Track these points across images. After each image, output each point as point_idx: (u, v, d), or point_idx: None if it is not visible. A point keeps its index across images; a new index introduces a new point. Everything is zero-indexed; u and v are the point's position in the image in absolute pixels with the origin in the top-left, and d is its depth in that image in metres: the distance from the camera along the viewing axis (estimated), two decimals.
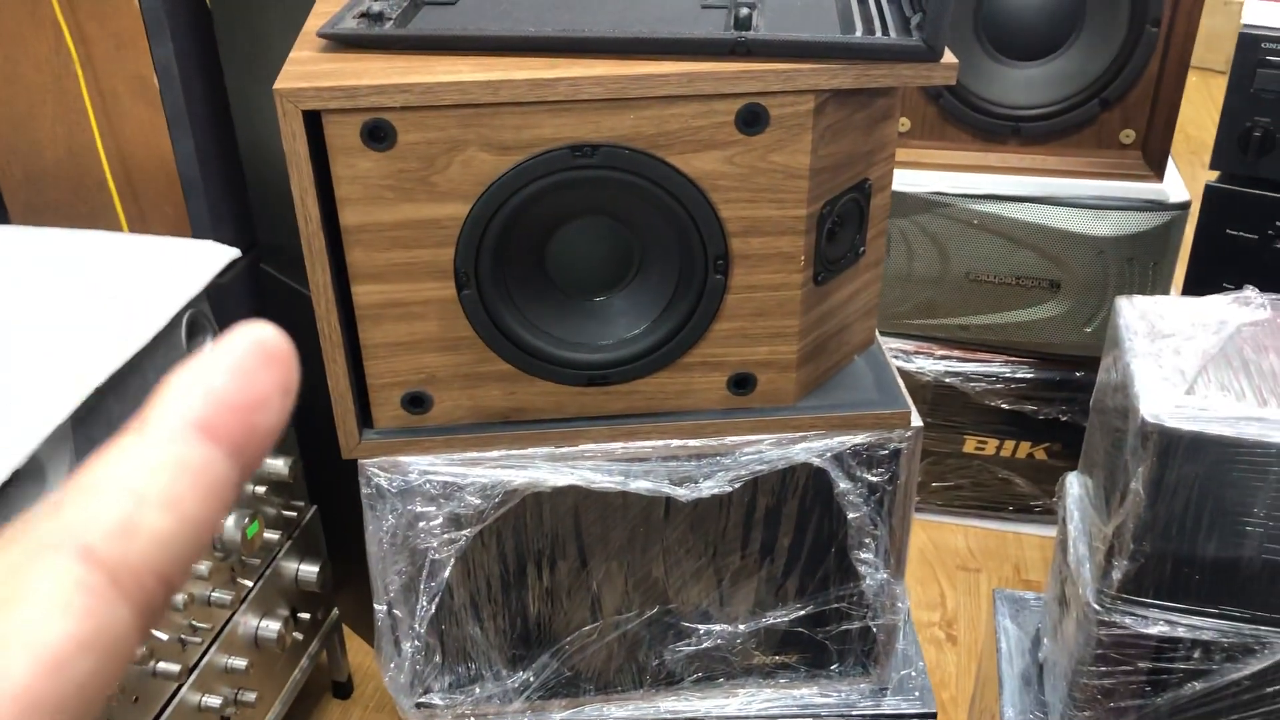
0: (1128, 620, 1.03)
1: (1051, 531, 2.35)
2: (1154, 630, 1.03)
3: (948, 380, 2.20)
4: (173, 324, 1.51)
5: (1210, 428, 0.92)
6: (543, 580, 1.12)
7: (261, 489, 1.69)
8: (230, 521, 1.59)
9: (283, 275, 1.84)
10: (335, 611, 1.94)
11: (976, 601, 2.23)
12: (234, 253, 1.57)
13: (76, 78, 1.62)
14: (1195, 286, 1.49)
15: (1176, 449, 0.93)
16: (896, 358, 2.18)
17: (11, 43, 1.63)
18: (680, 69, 0.88)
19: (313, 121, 0.89)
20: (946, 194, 2.02)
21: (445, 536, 1.05)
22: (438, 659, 1.13)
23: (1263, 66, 1.35)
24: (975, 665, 1.98)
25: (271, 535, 1.71)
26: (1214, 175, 1.50)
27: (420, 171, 0.91)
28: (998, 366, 2.20)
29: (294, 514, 1.78)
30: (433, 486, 1.03)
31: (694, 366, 1.03)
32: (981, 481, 2.32)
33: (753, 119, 0.90)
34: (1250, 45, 1.36)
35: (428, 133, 0.89)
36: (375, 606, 1.07)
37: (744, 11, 0.88)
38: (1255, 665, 1.02)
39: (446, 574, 1.06)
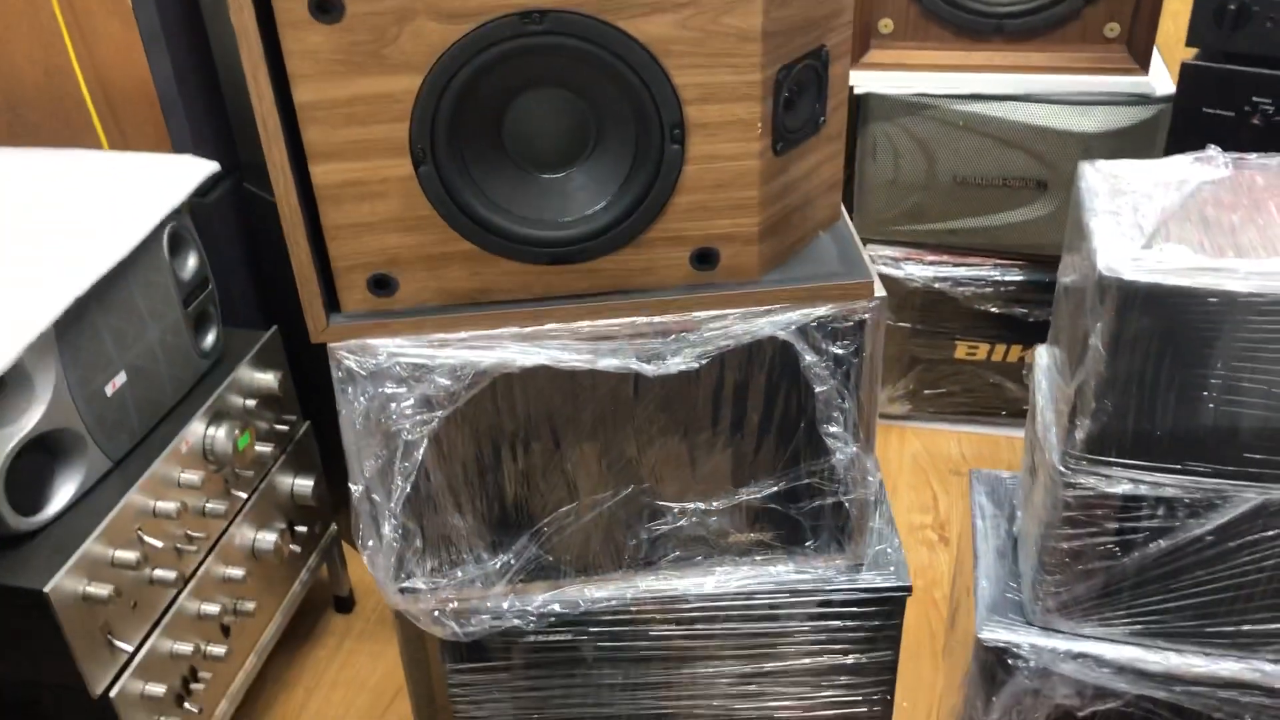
0: (1091, 480, 1.04)
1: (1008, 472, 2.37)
2: (1118, 489, 1.04)
3: (937, 286, 2.20)
4: (154, 236, 1.52)
5: (1167, 279, 0.93)
6: (517, 462, 1.13)
7: (252, 402, 1.71)
8: (221, 433, 1.61)
9: (266, 193, 1.85)
10: (334, 527, 1.97)
11: (968, 504, 2.24)
12: (213, 166, 1.58)
13: None
14: None
15: (1134, 301, 0.93)
16: (885, 265, 2.18)
17: None
18: None
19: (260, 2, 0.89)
20: (931, 95, 2.01)
21: (417, 418, 1.07)
22: (418, 544, 1.16)
23: None
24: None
25: (264, 448, 1.74)
26: (1190, 54, 1.49)
27: (370, 44, 0.91)
28: (987, 270, 2.19)
29: (286, 428, 1.80)
30: (402, 368, 1.05)
31: (656, 242, 1.03)
32: (973, 387, 2.33)
33: None
34: None
35: (376, 2, 0.89)
36: (351, 488, 1.09)
37: None
38: (1217, 519, 1.03)
39: (420, 455, 1.08)
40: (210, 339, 1.67)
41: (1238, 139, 1.41)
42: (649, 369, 1.06)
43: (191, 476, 1.56)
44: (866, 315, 1.06)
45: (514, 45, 0.91)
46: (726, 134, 0.98)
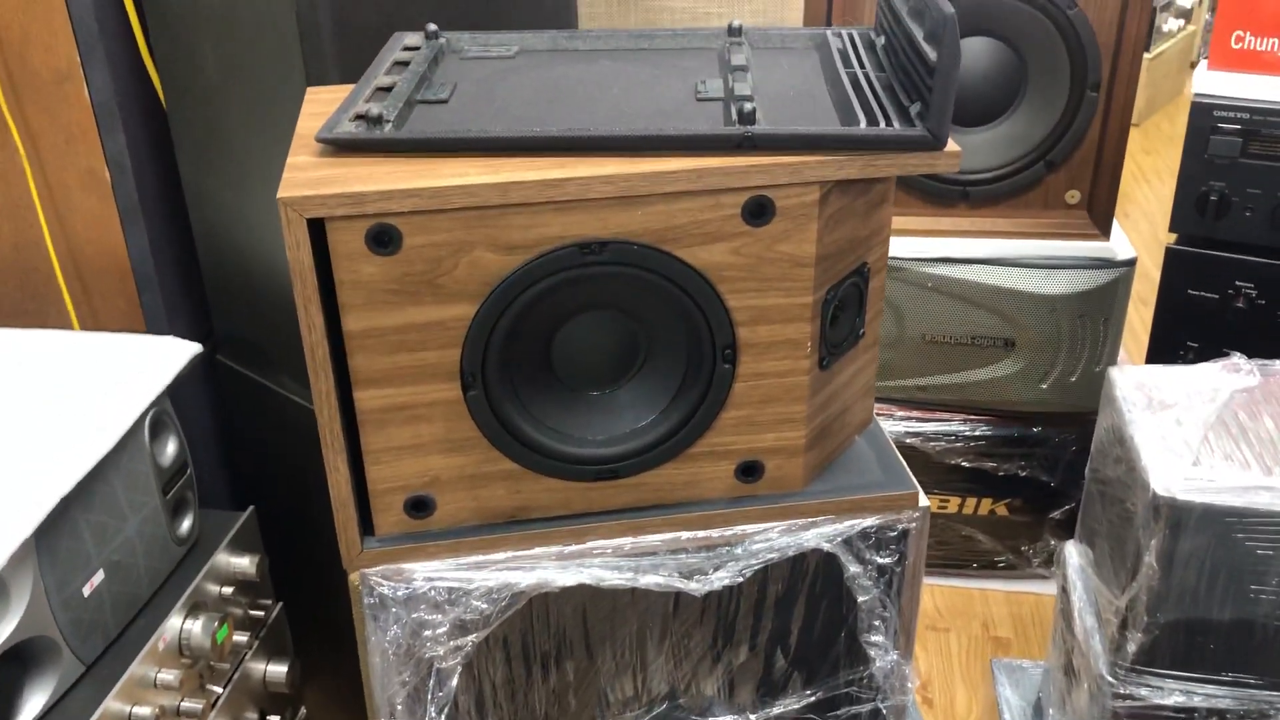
0: (1143, 691, 1.03)
1: (1017, 587, 2.37)
2: (1170, 701, 1.03)
3: (908, 441, 2.21)
4: (136, 424, 1.46)
5: (1220, 499, 0.94)
6: (549, 680, 1.09)
7: (228, 590, 1.63)
8: (198, 626, 1.53)
9: (240, 366, 1.80)
10: (304, 711, 1.87)
11: (948, 662, 2.23)
12: (195, 348, 1.53)
13: (24, 173, 1.57)
14: (1160, 346, 1.52)
15: (1188, 521, 0.94)
16: None
17: None
18: (688, 165, 0.88)
19: (314, 228, 0.86)
20: (900, 259, 2.05)
21: (451, 644, 1.02)
22: None
23: (1215, 133, 1.40)
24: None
25: (240, 637, 1.65)
26: (1172, 239, 1.55)
27: (426, 274, 0.89)
28: (956, 425, 2.22)
29: (260, 613, 1.72)
30: (438, 593, 1.00)
31: (701, 456, 1.02)
32: (945, 540, 2.33)
33: (759, 211, 0.90)
34: (1203, 113, 1.40)
35: (434, 236, 0.88)
36: None
37: (748, 106, 0.89)
38: None
39: (454, 682, 1.03)
40: (187, 524, 1.59)
41: (1223, 320, 1.46)
42: (693, 586, 1.03)
43: (168, 675, 1.47)
44: (911, 525, 1.05)
45: (571, 275, 0.90)
46: (777, 353, 0.97)
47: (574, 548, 1.02)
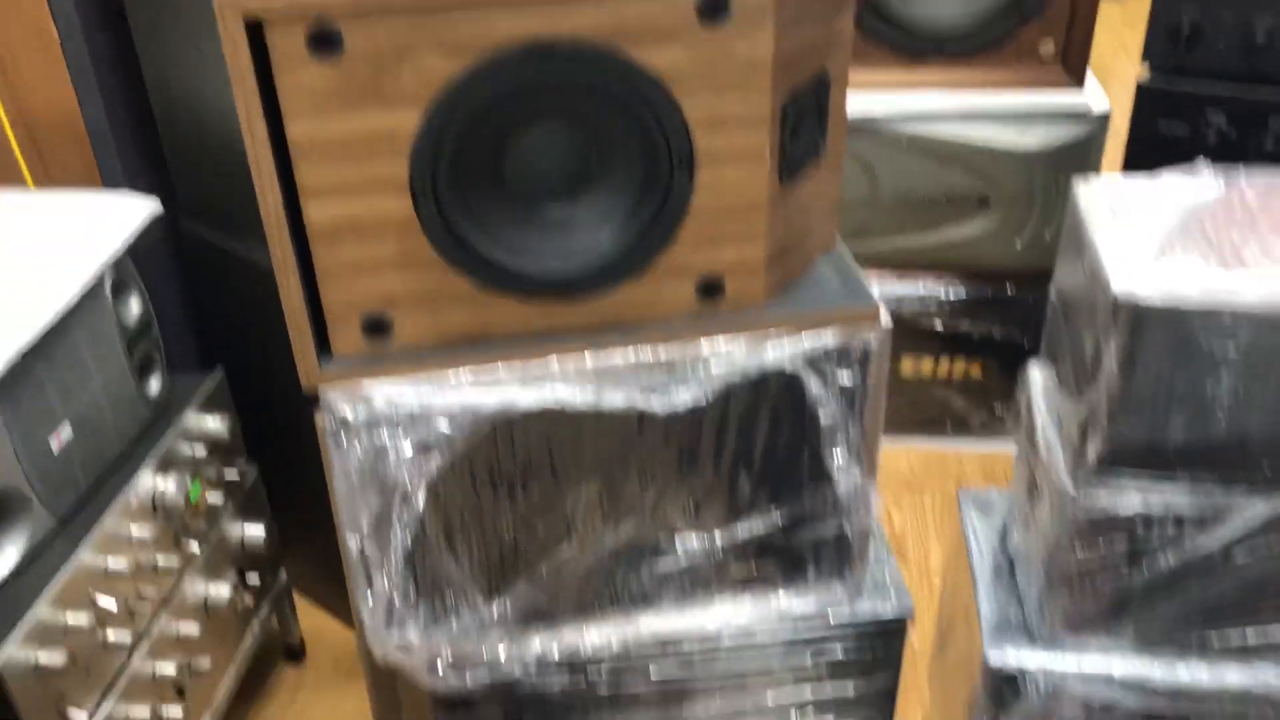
0: (1103, 500, 1.04)
1: (989, 448, 2.39)
2: (1129, 506, 1.04)
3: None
4: (97, 282, 1.44)
5: (1180, 297, 0.93)
6: (517, 505, 1.09)
7: (200, 450, 1.63)
8: (171, 484, 1.53)
9: (206, 233, 1.77)
10: (283, 574, 1.89)
11: (922, 520, 2.26)
12: (154, 204, 1.50)
13: None
14: None
15: (1148, 320, 0.94)
16: None
17: None
18: None
19: (254, 35, 0.84)
20: (874, 117, 2.02)
21: (416, 466, 1.02)
22: (412, 595, 1.10)
23: None
24: (925, 580, 2.01)
25: (214, 497, 1.66)
26: (1142, 74, 1.52)
27: (370, 79, 0.87)
28: (931, 287, 2.22)
29: (235, 475, 1.72)
30: (400, 414, 1.00)
31: (661, 274, 1.01)
32: (919, 402, 2.35)
33: (714, 8, 0.88)
34: None
35: (377, 37, 0.85)
36: (347, 543, 1.04)
37: None
38: (1227, 532, 1.04)
39: (419, 504, 1.03)
40: (155, 385, 1.58)
41: (1194, 153, 1.45)
42: (656, 405, 1.03)
43: (142, 531, 1.48)
44: (873, 342, 1.05)
45: (521, 79, 0.88)
46: (735, 163, 0.96)
47: (536, 368, 1.02)
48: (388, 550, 1.05)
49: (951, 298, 2.22)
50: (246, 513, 1.75)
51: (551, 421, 1.05)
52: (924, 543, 2.18)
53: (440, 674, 1.14)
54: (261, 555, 1.78)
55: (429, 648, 1.15)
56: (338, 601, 2.02)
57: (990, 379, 2.29)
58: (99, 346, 1.45)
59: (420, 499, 1.03)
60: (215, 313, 1.84)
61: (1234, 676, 1.12)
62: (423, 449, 1.01)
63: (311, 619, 2.04)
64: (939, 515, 2.25)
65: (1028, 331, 2.21)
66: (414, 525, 1.05)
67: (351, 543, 1.03)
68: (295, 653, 1.99)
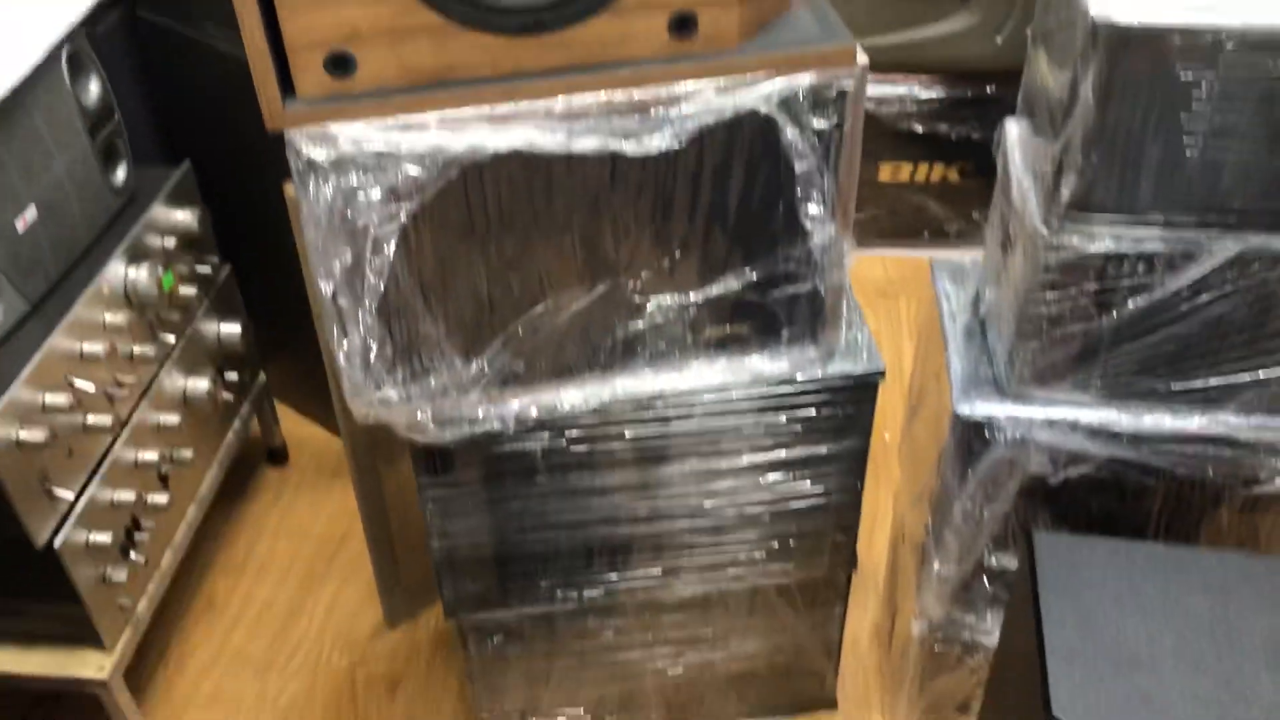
0: (1075, 240, 1.05)
1: (967, 255, 2.40)
2: (1100, 247, 1.05)
3: None
4: (52, 57, 1.40)
5: (1158, 19, 0.92)
6: (490, 259, 1.09)
7: (170, 242, 1.61)
8: (143, 273, 1.52)
9: (163, 19, 1.72)
10: (263, 376, 1.90)
11: (897, 324, 2.27)
12: None
13: None
14: None
15: (1126, 43, 0.92)
16: None
17: None
18: None
19: None
20: None
21: (386, 211, 1.01)
22: (389, 350, 1.11)
23: None
24: (899, 382, 2.03)
25: (188, 291, 1.65)
26: None
27: None
28: (910, 87, 2.18)
29: (208, 270, 1.71)
30: (367, 157, 0.98)
31: (632, 9, 0.98)
32: (896, 209, 2.34)
33: None
34: None
35: None
36: (321, 289, 1.03)
37: None
38: (1195, 272, 1.05)
39: (390, 251, 1.02)
40: (121, 174, 1.56)
41: None
42: (629, 148, 1.02)
43: (116, 318, 1.48)
44: (849, 85, 1.03)
45: None
46: None
47: (505, 109, 1.00)
48: (361, 299, 1.05)
49: (931, 98, 2.19)
50: (222, 311, 1.74)
51: (523, 169, 1.03)
52: (898, 346, 2.20)
53: (420, 429, 1.15)
54: (239, 353, 1.78)
55: (409, 407, 1.15)
56: (319, 409, 2.04)
57: (969, 183, 2.28)
58: (59, 127, 1.42)
59: (391, 247, 1.03)
60: (181, 104, 1.80)
61: (1196, 421, 1.14)
62: (391, 193, 1.00)
63: (294, 425, 2.06)
64: (912, 320, 2.27)
65: None
66: (387, 275, 1.04)
67: (325, 288, 1.03)
68: (278, 456, 2.01)
